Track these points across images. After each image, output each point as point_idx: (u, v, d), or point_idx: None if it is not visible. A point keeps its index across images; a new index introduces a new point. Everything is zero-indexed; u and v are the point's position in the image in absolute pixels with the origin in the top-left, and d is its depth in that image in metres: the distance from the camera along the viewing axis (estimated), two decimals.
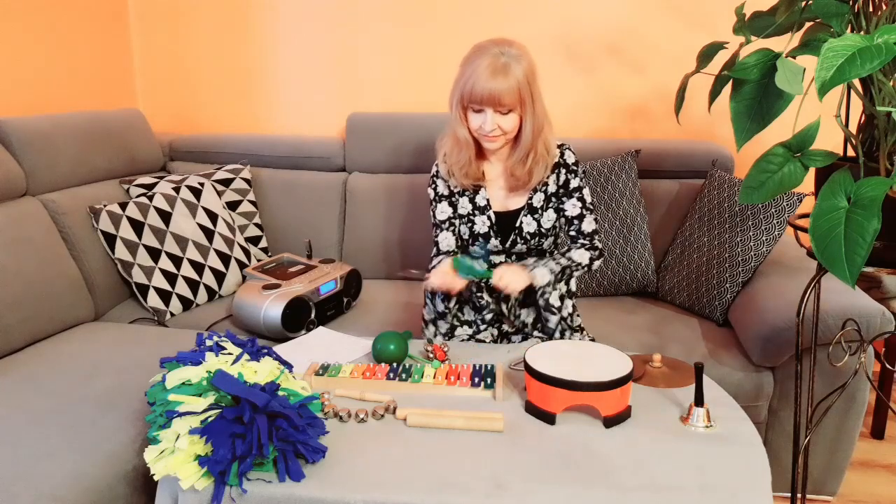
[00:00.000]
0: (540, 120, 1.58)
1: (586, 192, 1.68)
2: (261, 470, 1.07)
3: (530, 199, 1.67)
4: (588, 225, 1.67)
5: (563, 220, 1.69)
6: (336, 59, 2.65)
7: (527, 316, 1.71)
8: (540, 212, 1.67)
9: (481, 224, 1.68)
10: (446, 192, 1.72)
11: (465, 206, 1.70)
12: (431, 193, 1.74)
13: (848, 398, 1.71)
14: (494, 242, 1.69)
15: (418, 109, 2.56)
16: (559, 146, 1.67)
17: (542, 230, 1.66)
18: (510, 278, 1.55)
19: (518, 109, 1.54)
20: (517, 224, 1.67)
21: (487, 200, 1.69)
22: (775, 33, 1.34)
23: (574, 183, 1.66)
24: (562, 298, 1.69)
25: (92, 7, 2.54)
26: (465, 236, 1.71)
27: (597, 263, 1.68)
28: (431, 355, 1.51)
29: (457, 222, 1.73)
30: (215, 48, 2.72)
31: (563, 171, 1.67)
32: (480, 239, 1.68)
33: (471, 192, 1.69)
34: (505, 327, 1.73)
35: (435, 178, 1.73)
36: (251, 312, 1.87)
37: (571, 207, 1.67)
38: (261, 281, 1.96)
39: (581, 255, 1.65)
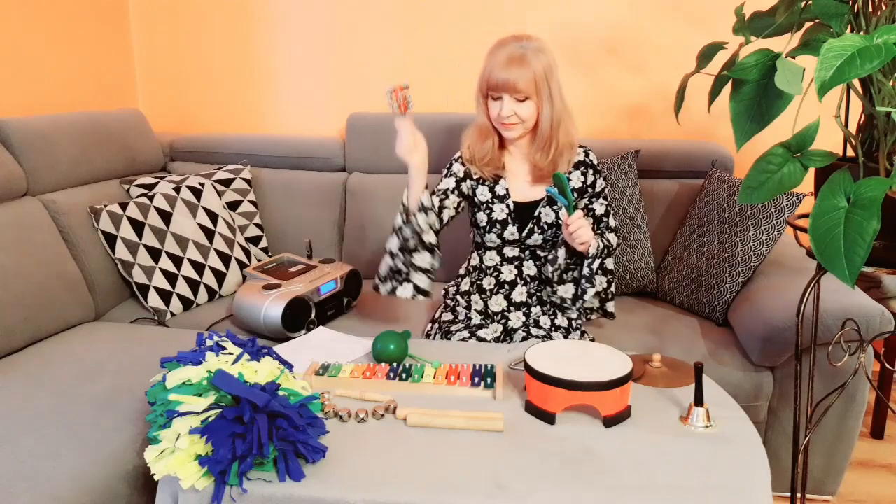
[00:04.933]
0: (559, 112, 1.65)
1: (608, 191, 1.80)
2: (261, 470, 1.07)
3: None
4: (612, 220, 1.78)
5: (590, 218, 1.77)
6: (336, 59, 2.65)
7: (565, 292, 1.73)
8: (559, 204, 1.70)
9: (499, 212, 1.72)
10: (460, 174, 1.76)
11: (484, 194, 1.75)
12: (444, 170, 1.79)
13: (847, 398, 1.71)
14: (512, 229, 1.71)
15: (419, 109, 2.55)
16: (580, 146, 1.74)
17: (560, 221, 1.70)
18: (583, 224, 1.56)
19: (534, 98, 1.61)
20: (535, 214, 1.71)
21: (507, 190, 1.73)
22: (775, 33, 1.34)
23: (601, 184, 1.76)
24: (606, 273, 1.74)
25: (92, 7, 2.54)
26: (483, 223, 1.74)
27: (619, 249, 1.81)
28: (395, 103, 1.54)
29: (452, 196, 1.74)
30: (215, 48, 2.72)
31: (591, 171, 1.75)
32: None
33: (491, 182, 1.74)
34: (511, 324, 1.74)
35: (454, 160, 1.79)
36: (251, 312, 1.88)
37: (600, 207, 1.76)
38: (261, 281, 1.96)
39: (613, 239, 1.75)
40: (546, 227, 1.71)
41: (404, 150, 1.59)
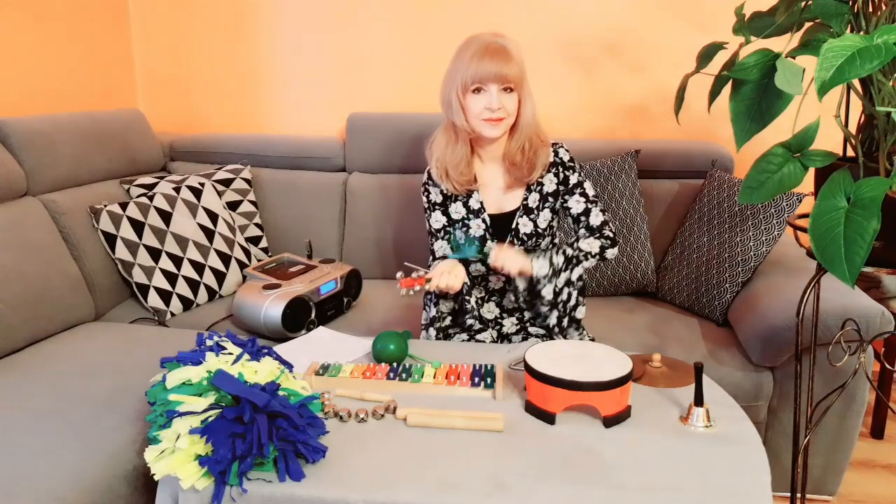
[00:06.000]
0: (534, 107, 1.62)
1: (587, 185, 1.68)
2: (261, 470, 1.07)
3: (525, 199, 1.67)
4: (595, 218, 1.65)
5: (569, 218, 1.68)
6: (336, 59, 2.65)
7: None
8: (536, 212, 1.67)
9: (476, 227, 1.68)
10: (439, 200, 1.71)
11: (459, 210, 1.70)
12: (425, 201, 1.74)
13: (847, 398, 1.71)
14: (491, 244, 1.68)
15: (418, 109, 2.56)
16: (552, 144, 1.68)
17: (539, 230, 1.66)
18: (507, 256, 1.56)
19: (518, 91, 1.57)
20: (513, 226, 1.67)
21: (481, 203, 1.68)
22: (775, 33, 1.34)
23: (573, 179, 1.66)
24: (567, 285, 1.63)
25: (92, 7, 2.54)
26: (461, 241, 1.71)
27: (611, 252, 1.64)
28: (416, 288, 1.50)
29: (451, 230, 1.73)
30: (215, 48, 2.72)
31: (561, 168, 1.67)
32: (456, 231, 1.68)
33: (464, 197, 1.69)
34: (505, 329, 1.73)
35: (427, 186, 1.73)
36: (251, 312, 1.88)
37: (576, 204, 1.66)
38: (261, 281, 1.96)
39: (590, 244, 1.63)
40: (525, 237, 1.66)
41: (455, 288, 1.56)
